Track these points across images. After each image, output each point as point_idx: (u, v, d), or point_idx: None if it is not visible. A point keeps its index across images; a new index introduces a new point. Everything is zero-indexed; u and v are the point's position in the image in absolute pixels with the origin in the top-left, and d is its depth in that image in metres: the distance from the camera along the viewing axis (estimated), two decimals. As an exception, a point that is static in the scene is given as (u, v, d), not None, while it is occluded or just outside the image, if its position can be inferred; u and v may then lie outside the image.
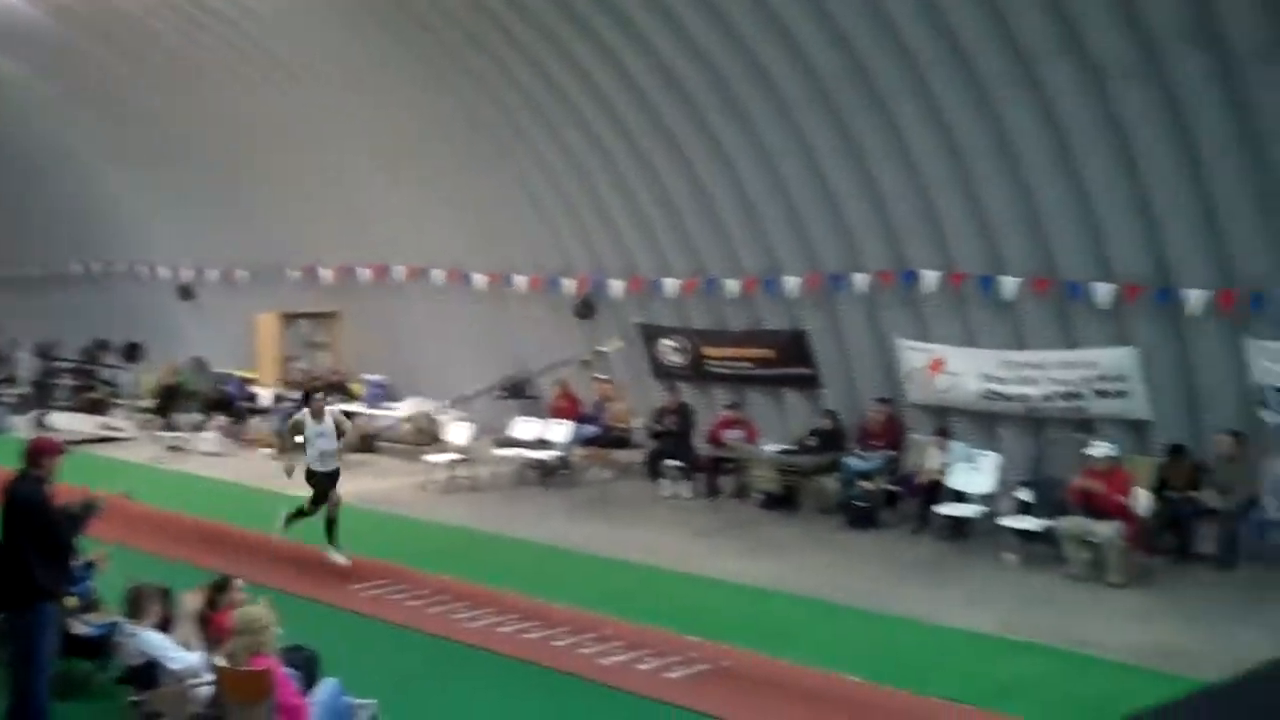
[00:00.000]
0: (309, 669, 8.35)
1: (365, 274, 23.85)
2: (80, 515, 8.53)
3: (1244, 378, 13.90)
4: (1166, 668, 10.11)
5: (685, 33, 16.39)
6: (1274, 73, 12.63)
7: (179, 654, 8.35)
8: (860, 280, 16.81)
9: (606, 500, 17.64)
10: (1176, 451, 14.05)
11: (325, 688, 7.92)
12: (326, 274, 24.58)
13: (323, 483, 13.72)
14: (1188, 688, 9.49)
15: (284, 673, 7.66)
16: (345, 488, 14.28)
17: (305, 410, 14.00)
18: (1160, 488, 13.78)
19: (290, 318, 24.81)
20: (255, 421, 22.99)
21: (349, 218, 23.54)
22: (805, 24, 15.35)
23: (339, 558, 13.61)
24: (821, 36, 15.37)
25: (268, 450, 20.05)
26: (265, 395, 23.71)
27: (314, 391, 14.62)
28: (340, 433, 13.94)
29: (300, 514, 13.86)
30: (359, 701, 7.90)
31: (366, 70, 20.61)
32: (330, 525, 13.73)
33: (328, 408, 14.08)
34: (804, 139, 16.42)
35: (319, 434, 13.74)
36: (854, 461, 15.98)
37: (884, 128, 15.63)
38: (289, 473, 13.84)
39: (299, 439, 13.93)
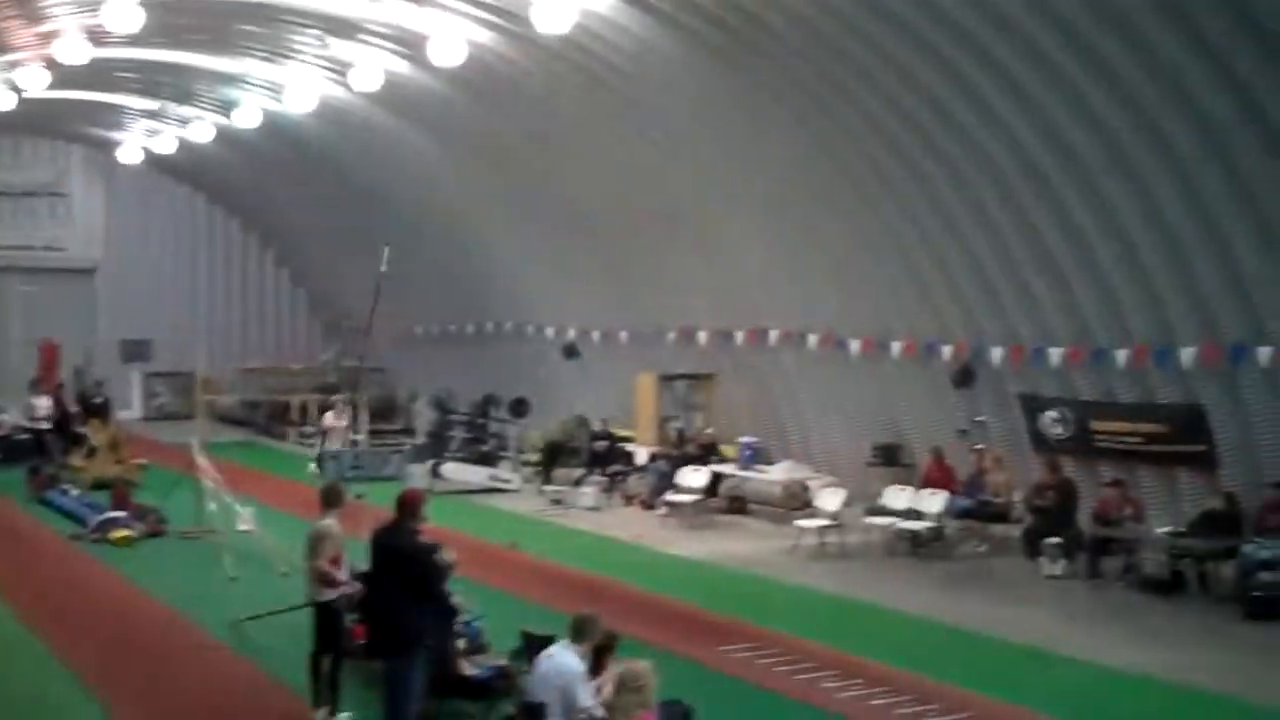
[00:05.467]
0: (684, 725, 8.46)
1: (740, 337, 24.21)
2: (448, 564, 8.93)
3: None
4: None
5: (1069, 86, 15.82)
6: None
7: (587, 693, 8.36)
8: (1265, 353, 15.71)
9: (980, 575, 17.11)
10: None
11: (698, 744, 8.00)
12: (703, 336, 25.11)
13: None
14: None
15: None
16: (714, 546, 14.44)
17: None
18: None
19: (667, 379, 25.46)
20: (633, 479, 23.65)
21: (725, 280, 24.00)
22: (1199, 76, 14.57)
23: None
24: (1217, 92, 14.56)
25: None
26: (642, 454, 24.36)
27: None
28: None
29: None
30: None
31: (743, 132, 21.01)
32: None
33: None
34: (1199, 196, 15.53)
35: None
36: (1254, 548, 14.87)
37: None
38: None
39: None
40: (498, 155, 26.48)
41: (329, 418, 23.79)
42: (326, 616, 10.34)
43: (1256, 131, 14.48)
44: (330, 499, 10.61)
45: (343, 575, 10.28)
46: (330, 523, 10.42)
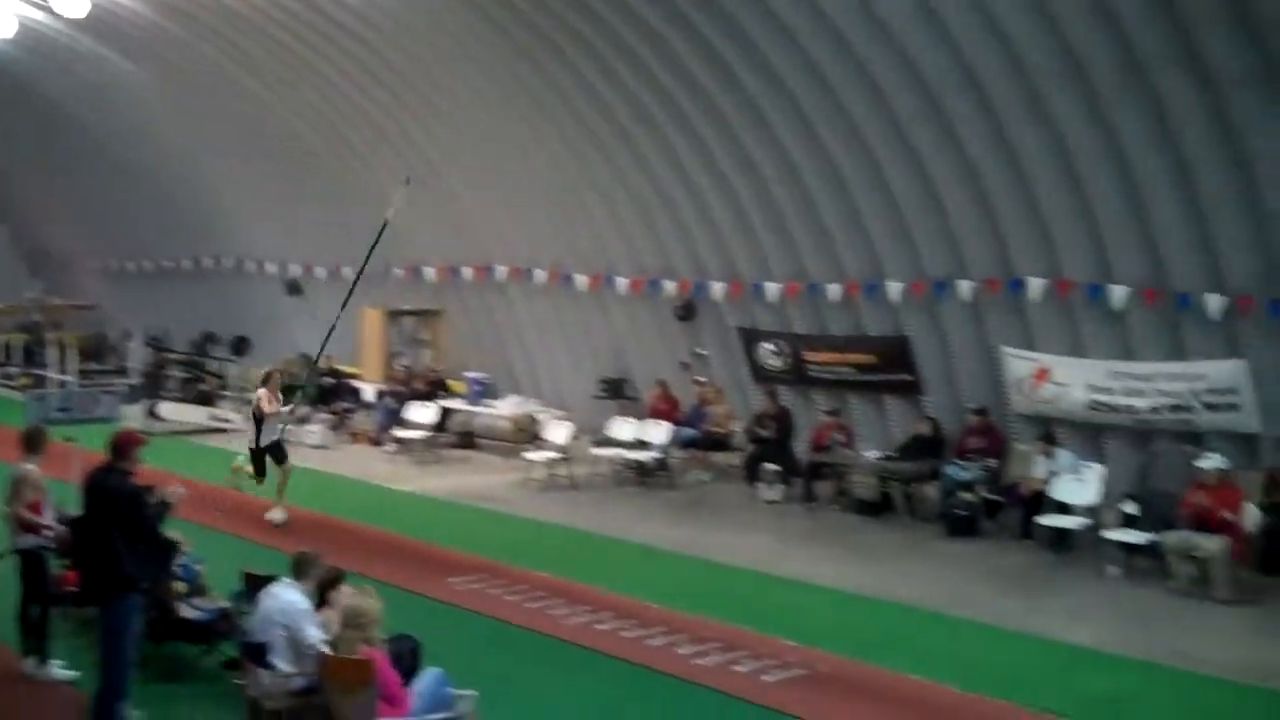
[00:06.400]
0: (412, 659, 8.47)
1: (468, 273, 24.13)
2: (165, 505, 8.70)
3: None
4: (1273, 686, 9.90)
5: (790, 35, 16.33)
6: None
7: (314, 628, 8.25)
8: (965, 287, 16.66)
9: (703, 503, 17.67)
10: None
11: (428, 678, 8.04)
12: (430, 273, 24.90)
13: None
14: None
15: (387, 663, 7.81)
16: (443, 482, 14.47)
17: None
18: (1269, 500, 13.47)
19: (395, 315, 25.18)
20: (360, 416, 23.37)
21: (453, 217, 23.82)
22: (914, 32, 15.23)
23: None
24: (929, 44, 15.25)
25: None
26: (369, 390, 24.06)
27: None
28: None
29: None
30: (460, 692, 8.01)
31: (468, 70, 20.83)
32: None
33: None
34: (909, 142, 16.30)
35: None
36: (954, 470, 15.83)
37: (991, 134, 15.47)
38: None
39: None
40: (216, 88, 25.41)
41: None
42: (31, 564, 9.93)
43: (961, 78, 15.24)
44: (31, 443, 10.16)
45: (46, 520, 9.90)
46: (30, 467, 10.00)
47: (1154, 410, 15.09)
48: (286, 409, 15.80)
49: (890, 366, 17.93)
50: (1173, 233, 14.57)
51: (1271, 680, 10.09)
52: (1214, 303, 14.34)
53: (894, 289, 17.37)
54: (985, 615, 11.98)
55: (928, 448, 16.66)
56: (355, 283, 17.63)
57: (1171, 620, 11.92)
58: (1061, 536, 14.42)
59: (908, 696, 9.77)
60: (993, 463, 15.97)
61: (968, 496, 15.49)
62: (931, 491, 16.20)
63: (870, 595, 12.76)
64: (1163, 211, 14.49)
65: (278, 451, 15.56)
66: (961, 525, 15.37)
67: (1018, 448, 16.26)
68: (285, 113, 24.78)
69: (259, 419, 15.51)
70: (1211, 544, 12.67)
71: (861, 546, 14.97)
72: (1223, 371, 14.49)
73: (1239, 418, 14.45)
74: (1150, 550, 13.31)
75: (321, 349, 18.31)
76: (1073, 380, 15.79)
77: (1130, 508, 14.07)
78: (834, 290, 18.15)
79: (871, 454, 17.28)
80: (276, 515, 15.41)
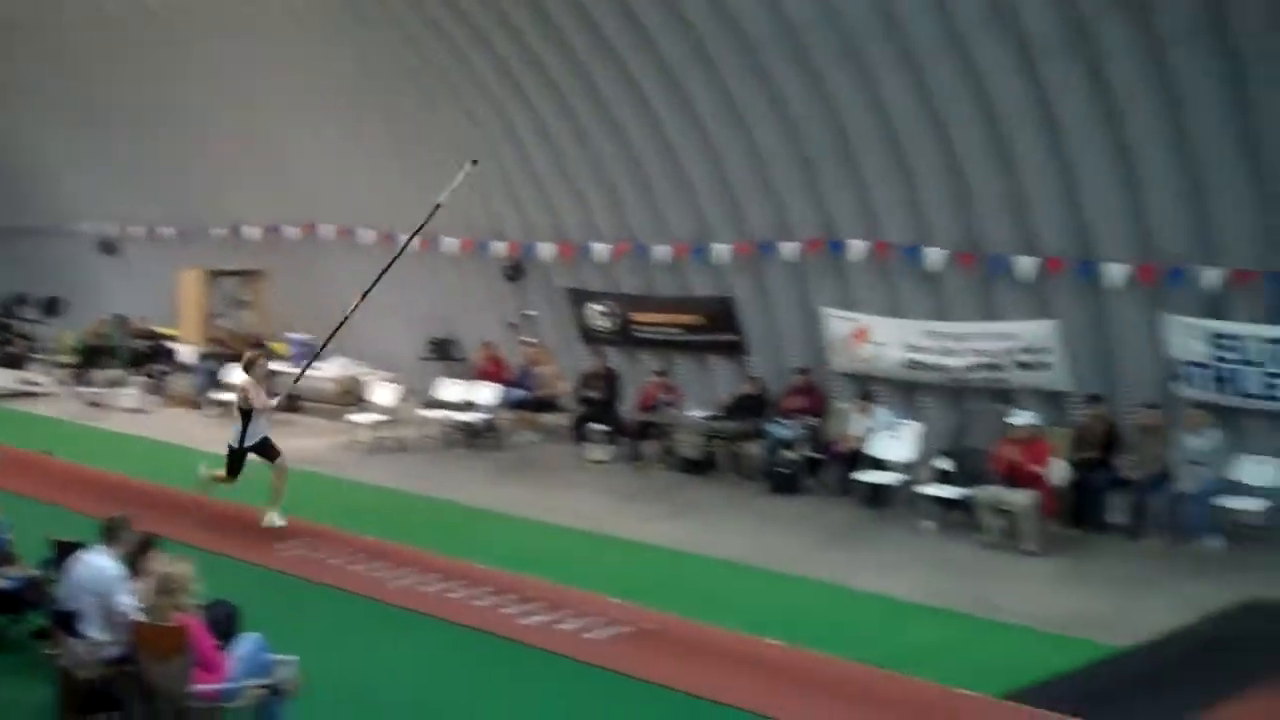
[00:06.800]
0: (229, 624, 8.33)
1: (292, 232, 23.61)
2: None
3: (1161, 352, 14.21)
4: (1075, 634, 10.34)
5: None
6: (1198, 50, 12.86)
7: (127, 595, 8.05)
8: (789, 248, 16.93)
9: (531, 463, 17.67)
10: (1094, 400, 14.44)
11: (246, 642, 7.90)
12: (252, 231, 24.29)
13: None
14: (1095, 654, 9.76)
15: (202, 629, 7.65)
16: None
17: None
18: (1078, 455, 14.03)
19: (215, 275, 24.52)
20: (178, 379, 22.74)
21: (276, 176, 23.26)
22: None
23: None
24: (751, 3, 15.40)
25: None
26: (187, 353, 23.42)
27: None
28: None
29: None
30: (279, 657, 7.89)
31: (288, 23, 20.33)
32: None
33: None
34: (734, 104, 16.46)
35: None
36: (777, 428, 16.12)
37: (815, 96, 15.72)
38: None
39: None
40: (24, 38, 24.34)
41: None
42: None
43: (783, 38, 15.42)
44: None
45: None
46: None
47: (968, 369, 15.59)
48: (274, 402, 13.55)
49: (716, 327, 18.15)
50: (987, 196, 15.02)
51: (1071, 628, 10.52)
52: (1025, 264, 14.85)
53: (720, 250, 17.56)
54: (807, 570, 12.25)
55: (752, 407, 16.93)
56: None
57: (982, 572, 12.36)
58: (878, 492, 14.83)
59: (730, 650, 9.93)
60: (814, 421, 16.31)
61: (790, 454, 15.79)
62: (756, 450, 16.47)
63: (695, 552, 12.93)
64: (977, 175, 14.92)
65: (268, 449, 13.43)
66: (784, 483, 15.67)
67: (838, 406, 16.63)
68: (103, 69, 23.86)
69: (246, 413, 13.23)
70: (1021, 498, 13.16)
71: (687, 505, 15.16)
72: (1034, 331, 15.02)
73: (1050, 376, 15.02)
74: (963, 505, 13.77)
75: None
76: (890, 340, 16.20)
77: (944, 464, 14.54)
78: (661, 251, 18.27)
79: (698, 414, 17.48)
80: (274, 519, 13.39)
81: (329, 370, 21.63)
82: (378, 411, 18.95)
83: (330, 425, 19.95)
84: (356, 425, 18.68)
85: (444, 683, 9.34)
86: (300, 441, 18.60)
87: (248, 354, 13.97)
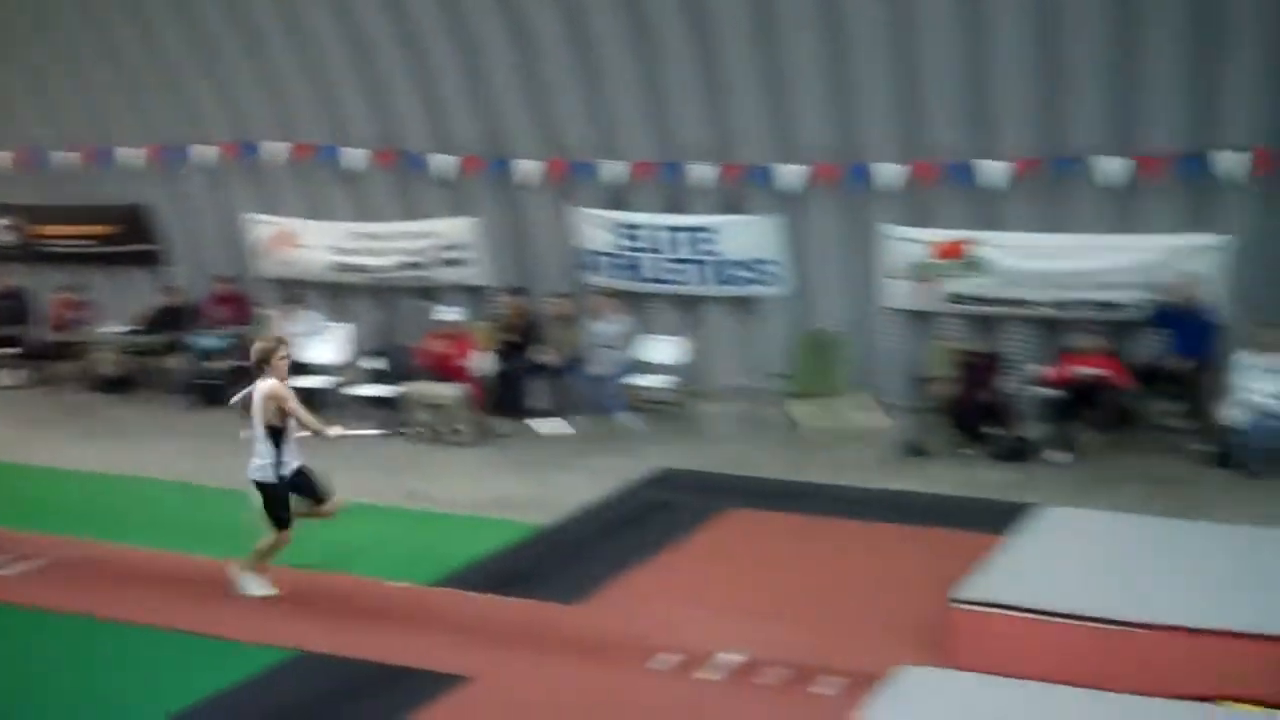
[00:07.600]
0: None
1: None
2: None
3: (572, 243, 14.99)
4: (502, 516, 10.82)
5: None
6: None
7: None
8: (204, 152, 16.31)
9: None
10: (515, 293, 14.93)
11: None
12: None
13: None
14: (522, 534, 10.27)
15: None
16: None
17: None
18: (499, 345, 14.55)
19: None
20: None
21: None
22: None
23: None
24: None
25: None
26: None
27: None
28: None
29: None
30: None
31: None
32: None
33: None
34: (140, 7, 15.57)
35: None
36: (201, 339, 15.60)
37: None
38: None
39: None
40: None
41: None
42: None
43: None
44: None
45: None
46: None
47: (395, 268, 15.77)
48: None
49: (130, 237, 17.30)
50: (402, 96, 15.12)
51: (500, 511, 11.00)
52: (443, 163, 15.12)
53: (128, 155, 16.61)
54: (234, 482, 11.94)
55: (173, 319, 16.27)
56: None
57: (415, 466, 12.61)
58: (309, 396, 14.65)
59: (163, 570, 9.57)
60: (241, 330, 15.89)
61: (216, 365, 15.33)
62: (181, 363, 15.87)
63: (120, 474, 12.37)
64: (392, 74, 14.97)
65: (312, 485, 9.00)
66: (211, 395, 15.17)
67: (262, 313, 16.30)
68: None
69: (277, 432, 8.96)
70: (448, 391, 13.52)
71: (108, 425, 14.46)
72: (455, 228, 15.39)
73: (471, 272, 15.47)
74: (396, 403, 13.95)
75: None
76: (314, 243, 16.11)
77: (376, 364, 14.65)
78: (62, 158, 17.03)
79: (116, 329, 16.59)
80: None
81: None
82: None
83: None
84: None
85: None
86: None
87: (259, 345, 9.11)
